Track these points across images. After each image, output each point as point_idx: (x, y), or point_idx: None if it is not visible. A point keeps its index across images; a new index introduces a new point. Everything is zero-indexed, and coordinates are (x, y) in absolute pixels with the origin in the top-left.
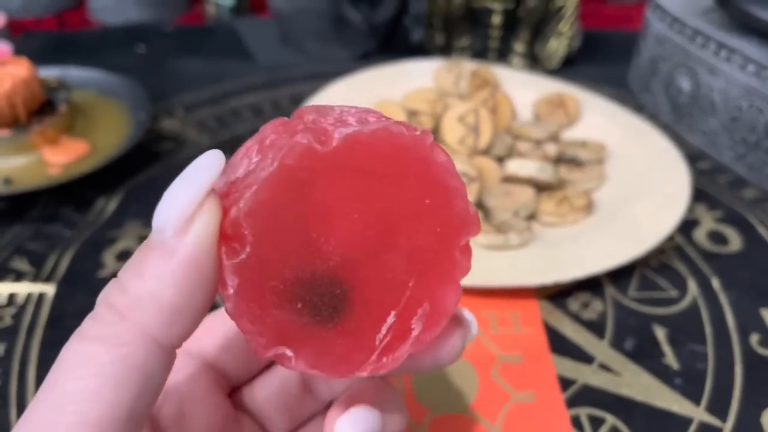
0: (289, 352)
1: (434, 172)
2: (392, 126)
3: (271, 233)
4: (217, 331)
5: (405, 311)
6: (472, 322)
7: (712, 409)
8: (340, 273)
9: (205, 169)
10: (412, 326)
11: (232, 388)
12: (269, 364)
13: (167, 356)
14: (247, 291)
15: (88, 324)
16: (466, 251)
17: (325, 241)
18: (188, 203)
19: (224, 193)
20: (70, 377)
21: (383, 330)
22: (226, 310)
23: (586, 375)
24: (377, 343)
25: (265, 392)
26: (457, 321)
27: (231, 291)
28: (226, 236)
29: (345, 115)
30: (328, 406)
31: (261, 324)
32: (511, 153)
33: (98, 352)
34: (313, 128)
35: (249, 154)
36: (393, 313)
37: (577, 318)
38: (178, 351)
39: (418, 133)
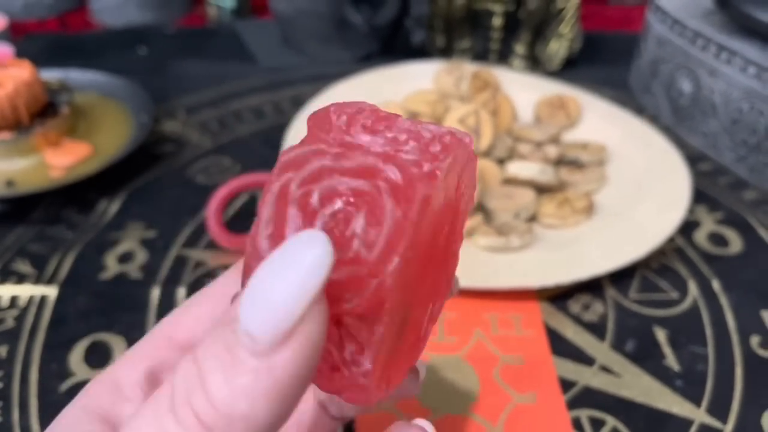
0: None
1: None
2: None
3: (400, 294)
4: None
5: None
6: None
7: (712, 410)
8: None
9: (314, 265)
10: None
11: None
12: None
13: None
14: (381, 364)
15: (171, 425)
16: (433, 316)
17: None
18: (291, 310)
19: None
20: None
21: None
22: (361, 386)
23: (587, 377)
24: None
25: None
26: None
27: (368, 367)
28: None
29: (397, 135)
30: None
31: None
32: (511, 155)
33: None
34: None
35: (344, 209)
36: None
37: (577, 320)
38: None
39: (425, 168)
